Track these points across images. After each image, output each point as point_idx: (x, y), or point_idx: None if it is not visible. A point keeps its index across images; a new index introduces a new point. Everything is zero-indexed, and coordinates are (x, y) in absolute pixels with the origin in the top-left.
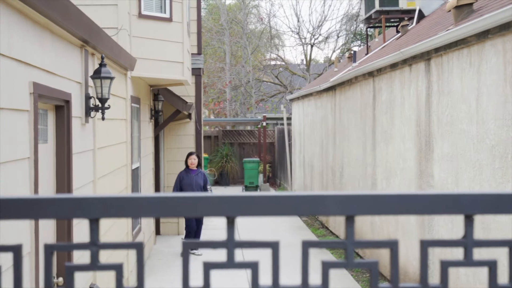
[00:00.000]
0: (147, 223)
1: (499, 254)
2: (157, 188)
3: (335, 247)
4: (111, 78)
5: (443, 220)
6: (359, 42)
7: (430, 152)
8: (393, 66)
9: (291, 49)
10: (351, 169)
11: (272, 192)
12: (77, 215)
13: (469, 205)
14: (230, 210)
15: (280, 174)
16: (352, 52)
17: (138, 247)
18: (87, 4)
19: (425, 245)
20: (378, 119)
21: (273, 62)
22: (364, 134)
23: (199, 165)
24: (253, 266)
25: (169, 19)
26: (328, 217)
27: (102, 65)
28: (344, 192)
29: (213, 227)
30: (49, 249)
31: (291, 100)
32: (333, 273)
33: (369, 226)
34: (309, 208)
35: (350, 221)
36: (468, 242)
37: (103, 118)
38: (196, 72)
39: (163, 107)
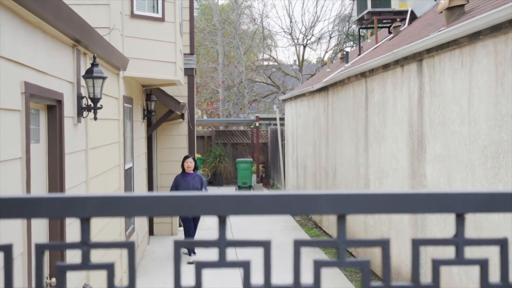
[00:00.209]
0: (141, 224)
1: (491, 253)
2: (150, 188)
3: (326, 246)
4: (104, 78)
5: (436, 219)
6: (351, 43)
7: (423, 153)
8: (386, 66)
9: (283, 50)
10: (344, 169)
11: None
12: (68, 215)
13: (460, 204)
14: (221, 209)
15: (273, 174)
16: (344, 52)
17: (129, 246)
18: (79, 3)
19: (417, 244)
20: (370, 120)
21: (265, 63)
22: (356, 134)
23: (195, 168)
24: (245, 265)
25: (162, 19)
26: (321, 217)
27: (94, 64)
28: (335, 191)
29: (207, 227)
30: (40, 248)
31: (284, 100)
32: (327, 273)
33: (362, 226)
34: (301, 207)
35: (341, 220)
36: (459, 240)
37: (95, 118)
38: (189, 72)
39: (156, 107)
